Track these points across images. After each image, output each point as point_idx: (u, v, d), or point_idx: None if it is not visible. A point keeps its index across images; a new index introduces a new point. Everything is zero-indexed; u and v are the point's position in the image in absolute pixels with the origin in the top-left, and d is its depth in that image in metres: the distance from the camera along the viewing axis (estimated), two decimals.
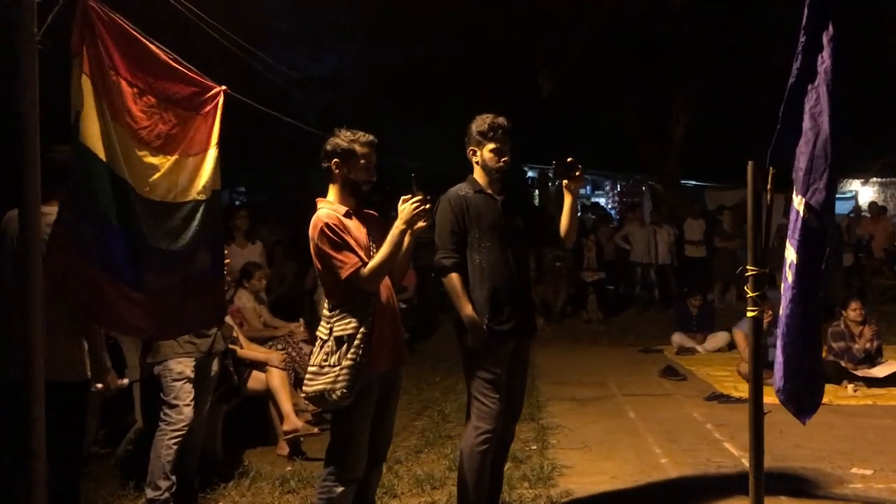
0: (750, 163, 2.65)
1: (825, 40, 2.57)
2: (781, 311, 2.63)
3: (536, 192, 18.12)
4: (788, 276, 2.59)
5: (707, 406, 6.84)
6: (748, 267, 2.65)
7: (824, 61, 2.57)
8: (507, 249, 3.83)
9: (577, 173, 3.82)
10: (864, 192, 19.32)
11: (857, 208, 16.60)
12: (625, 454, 5.43)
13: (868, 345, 7.53)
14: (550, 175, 3.96)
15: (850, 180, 18.61)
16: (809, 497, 4.60)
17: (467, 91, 12.76)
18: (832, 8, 2.57)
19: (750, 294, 2.64)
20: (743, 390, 7.27)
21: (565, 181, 3.85)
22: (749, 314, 2.66)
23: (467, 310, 3.72)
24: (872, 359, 7.56)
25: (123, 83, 3.00)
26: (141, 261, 3.05)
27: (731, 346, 9.03)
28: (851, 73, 2.61)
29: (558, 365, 8.53)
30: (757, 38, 13.26)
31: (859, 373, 7.35)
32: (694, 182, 17.67)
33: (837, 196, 11.77)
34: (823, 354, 6.96)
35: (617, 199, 17.54)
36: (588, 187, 20.14)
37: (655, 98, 14.82)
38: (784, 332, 2.61)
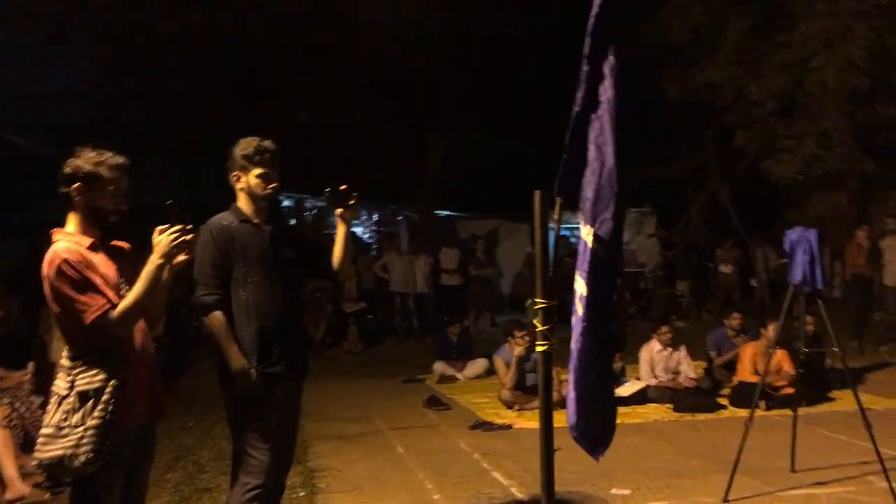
0: (537, 192, 2.57)
1: (607, 70, 2.58)
2: (573, 345, 2.58)
3: (292, 221, 17.72)
4: (579, 308, 2.54)
5: (472, 435, 6.87)
6: (536, 299, 2.56)
7: (606, 91, 2.57)
8: (276, 284, 3.51)
9: (352, 202, 3.60)
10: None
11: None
12: (397, 493, 5.24)
13: (614, 365, 7.99)
14: (326, 202, 3.80)
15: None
16: None
17: (224, 117, 12.16)
18: (613, 38, 2.58)
19: (540, 328, 2.56)
20: (505, 417, 7.44)
21: (339, 210, 3.62)
22: (539, 349, 2.58)
23: (233, 352, 3.34)
24: (617, 378, 8.04)
25: None
26: None
27: (490, 372, 9.23)
28: (636, 103, 2.63)
29: (321, 400, 8.20)
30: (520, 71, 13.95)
31: None
32: (447, 212, 18.20)
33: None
34: None
35: (374, 228, 17.63)
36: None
37: (411, 130, 15.09)
38: (576, 367, 2.56)
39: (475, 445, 6.47)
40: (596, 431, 2.67)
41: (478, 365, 9.67)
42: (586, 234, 2.53)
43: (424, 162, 15.72)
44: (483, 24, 13.61)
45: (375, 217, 18.80)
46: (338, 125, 14.70)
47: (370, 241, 15.91)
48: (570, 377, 2.63)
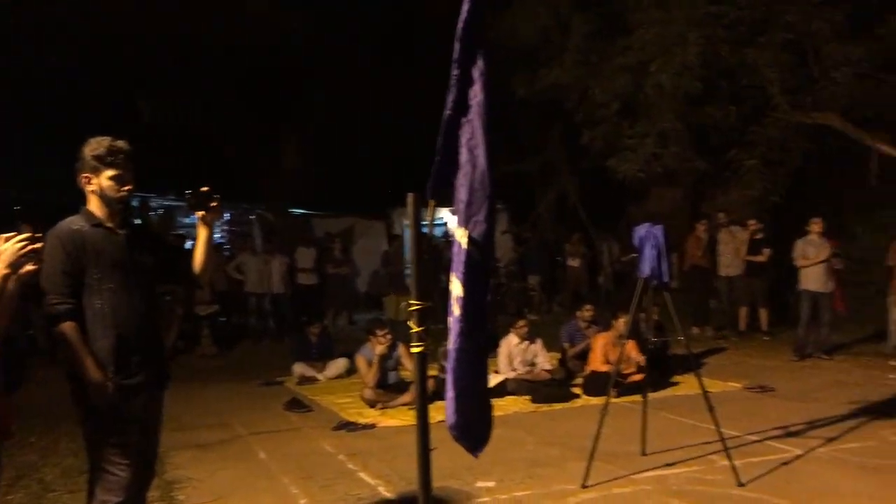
0: (410, 194, 2.59)
1: (476, 74, 2.62)
2: (450, 345, 2.61)
3: (137, 220, 16.88)
4: (455, 309, 2.57)
5: (336, 436, 6.81)
6: (411, 301, 2.58)
7: (476, 95, 2.61)
8: (133, 290, 3.34)
9: (214, 204, 3.48)
10: (453, 219, 21.34)
11: (447, 233, 18.26)
12: (261, 500, 5.12)
13: None
14: (186, 204, 3.61)
15: (443, 208, 20.42)
16: None
17: (72, 114, 11.42)
18: (481, 42, 2.62)
19: (414, 329, 2.57)
20: (369, 416, 7.42)
21: (200, 213, 3.48)
22: (414, 350, 2.59)
23: (88, 364, 3.15)
24: None
25: None
26: None
27: (351, 371, 9.19)
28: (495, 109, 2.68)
29: (176, 408, 7.79)
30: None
31: None
32: (301, 210, 17.92)
33: (435, 221, 12.69)
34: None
35: (226, 228, 17.09)
36: (194, 216, 19.31)
37: (265, 126, 14.77)
38: (454, 367, 2.59)
39: (340, 446, 6.42)
40: (475, 429, 2.72)
41: (338, 365, 9.59)
42: (460, 235, 2.57)
43: (279, 159, 15.41)
44: (339, 22, 13.51)
45: (227, 216, 18.24)
46: (185, 120, 14.17)
47: (222, 240, 15.41)
48: (448, 377, 2.66)
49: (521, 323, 8.65)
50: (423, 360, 2.61)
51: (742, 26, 10.35)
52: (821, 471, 5.36)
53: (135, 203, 17.24)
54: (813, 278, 9.95)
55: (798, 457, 5.67)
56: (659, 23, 10.42)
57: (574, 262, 15.83)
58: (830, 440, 6.09)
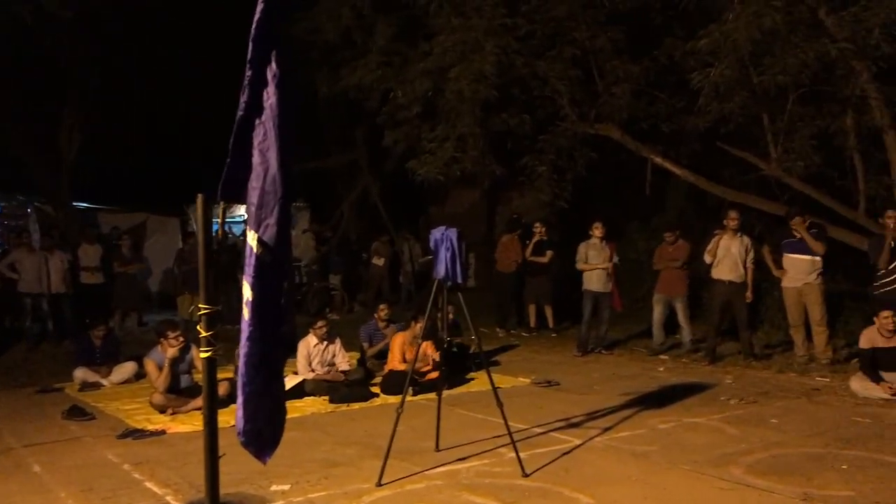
0: (199, 195, 2.52)
1: (269, 76, 2.59)
2: (240, 350, 2.56)
3: None
4: (245, 313, 2.53)
5: (121, 445, 6.44)
6: (200, 305, 2.51)
7: (270, 97, 2.58)
8: None
9: None
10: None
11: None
12: None
13: None
14: None
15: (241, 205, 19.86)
16: None
17: None
18: (275, 45, 2.60)
19: (203, 334, 2.50)
20: (158, 422, 7.09)
21: None
22: (203, 354, 2.52)
23: None
24: None
25: None
26: None
27: (140, 375, 8.73)
28: (295, 107, 2.67)
29: None
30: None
31: None
32: (86, 204, 16.75)
33: (234, 219, 12.36)
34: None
35: None
36: None
37: (45, 115, 13.66)
38: (244, 372, 2.54)
39: (125, 455, 6.08)
40: (264, 434, 2.69)
41: (126, 369, 9.08)
42: (252, 239, 2.53)
43: (59, 149, 14.31)
44: (130, 8, 12.78)
45: None
46: None
47: None
48: (238, 381, 2.61)
49: (321, 323, 8.62)
50: (212, 365, 2.55)
51: (534, 39, 10.90)
52: (597, 459, 5.78)
53: None
54: (594, 279, 10.72)
55: (577, 446, 6.08)
56: (458, 30, 10.73)
57: (378, 262, 15.99)
58: (606, 430, 6.59)
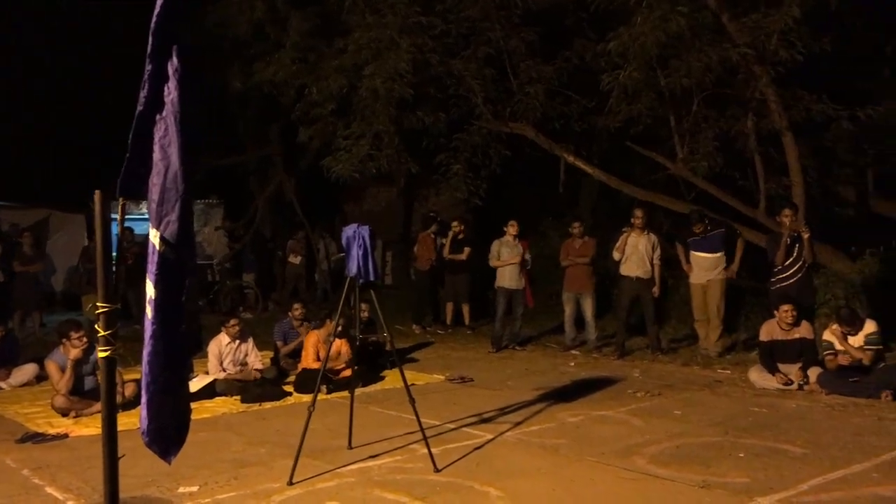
0: (97, 192, 2.45)
1: (170, 71, 2.55)
2: (144, 350, 2.51)
3: None
4: (148, 311, 2.48)
5: (21, 449, 6.21)
6: (98, 304, 2.45)
7: (171, 92, 2.54)
8: None
9: None
10: None
11: None
12: None
13: None
14: None
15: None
16: None
17: None
18: (177, 39, 2.56)
19: (101, 333, 2.45)
20: (60, 425, 6.86)
21: None
22: (101, 354, 2.47)
23: None
24: None
25: None
26: None
27: (41, 378, 8.42)
28: (198, 105, 2.64)
29: None
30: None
31: None
32: None
33: (135, 216, 12.07)
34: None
35: None
36: None
37: None
38: (147, 371, 2.50)
39: (24, 461, 5.86)
40: (168, 434, 2.64)
41: (26, 371, 8.74)
42: (153, 236, 2.49)
43: None
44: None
45: None
46: None
47: None
48: (142, 381, 2.56)
49: (233, 322, 8.48)
50: (111, 365, 2.50)
51: (449, 38, 10.97)
52: (508, 453, 5.88)
53: None
54: (506, 276, 10.89)
55: (489, 441, 6.17)
56: (373, 27, 10.71)
57: (295, 260, 15.81)
58: (517, 424, 6.70)
